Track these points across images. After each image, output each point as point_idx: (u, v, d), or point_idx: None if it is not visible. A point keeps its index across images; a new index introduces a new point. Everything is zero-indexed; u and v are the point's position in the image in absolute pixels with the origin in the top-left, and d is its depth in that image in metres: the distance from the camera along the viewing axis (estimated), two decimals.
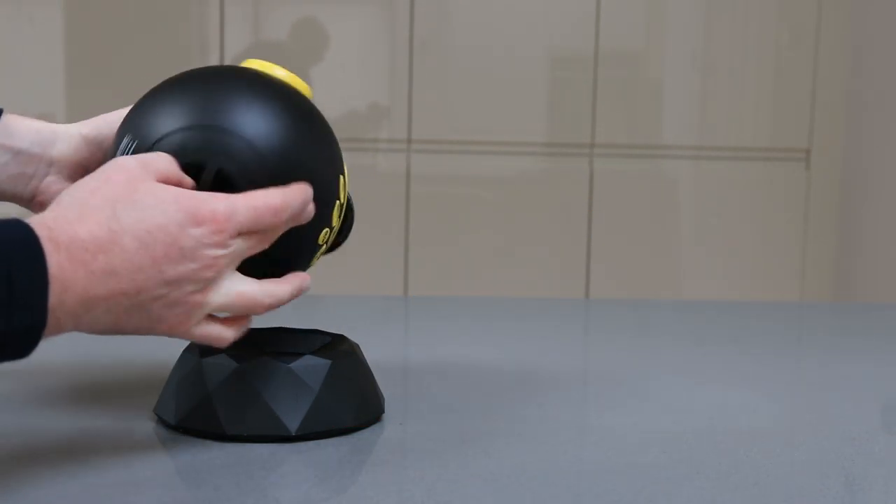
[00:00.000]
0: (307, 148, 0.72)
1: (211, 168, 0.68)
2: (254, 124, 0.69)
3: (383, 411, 0.77)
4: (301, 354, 0.71)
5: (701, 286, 2.75)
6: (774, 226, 2.75)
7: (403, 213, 2.66)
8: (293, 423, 0.69)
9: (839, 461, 0.71)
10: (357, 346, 0.77)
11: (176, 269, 0.62)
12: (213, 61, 2.66)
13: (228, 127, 0.69)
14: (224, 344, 0.66)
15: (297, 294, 0.69)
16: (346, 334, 0.78)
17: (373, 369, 0.77)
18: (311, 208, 0.69)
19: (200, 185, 0.67)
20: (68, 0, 2.66)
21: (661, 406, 0.84)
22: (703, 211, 2.78)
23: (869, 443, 0.76)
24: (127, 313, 0.61)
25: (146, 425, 0.73)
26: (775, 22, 2.72)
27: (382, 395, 0.77)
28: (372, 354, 0.79)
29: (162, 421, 0.73)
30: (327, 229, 0.72)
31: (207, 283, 0.63)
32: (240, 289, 0.65)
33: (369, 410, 0.74)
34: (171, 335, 0.64)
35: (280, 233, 0.67)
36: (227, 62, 2.66)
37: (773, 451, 0.71)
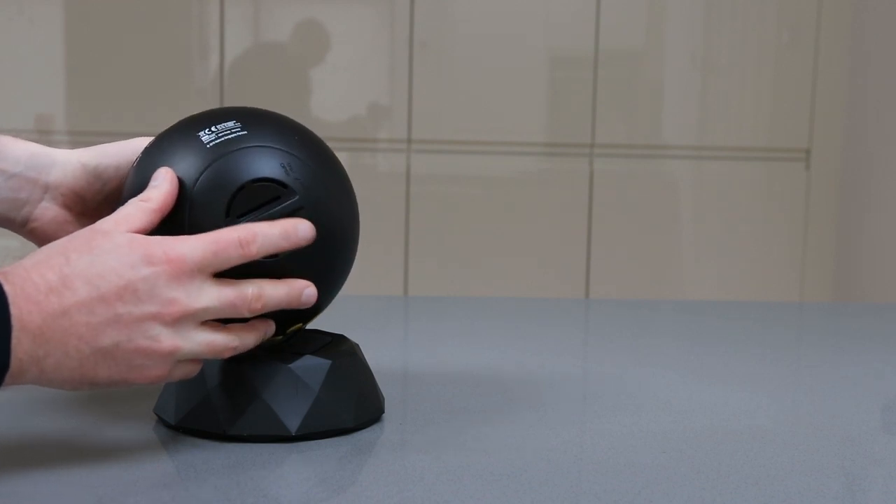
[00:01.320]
0: (351, 255, 0.74)
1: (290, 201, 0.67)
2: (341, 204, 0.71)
3: (383, 411, 0.77)
4: (301, 354, 0.71)
5: (701, 286, 2.75)
6: (774, 226, 2.75)
7: (403, 213, 2.66)
8: (293, 424, 0.69)
9: (839, 461, 0.71)
10: (357, 346, 0.77)
11: (132, 312, 0.61)
12: (214, 61, 2.66)
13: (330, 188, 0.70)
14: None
15: (262, 340, 0.68)
16: (346, 334, 0.78)
17: (373, 369, 0.77)
18: (310, 292, 0.68)
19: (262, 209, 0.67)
20: (68, 0, 2.66)
21: (661, 406, 0.84)
22: (703, 211, 2.78)
23: (869, 443, 0.76)
24: (92, 360, 0.60)
25: (146, 425, 0.73)
26: (775, 22, 2.72)
27: (382, 395, 0.77)
28: (372, 354, 0.78)
29: (161, 421, 0.73)
30: (300, 325, 0.72)
31: (175, 327, 0.62)
32: (209, 338, 0.64)
33: (369, 410, 0.74)
34: (150, 383, 0.63)
35: (272, 301, 0.66)
36: (227, 62, 2.66)
37: (773, 451, 0.71)
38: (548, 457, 0.69)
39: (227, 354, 0.66)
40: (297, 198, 0.68)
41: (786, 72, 2.72)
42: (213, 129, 0.69)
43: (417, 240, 2.67)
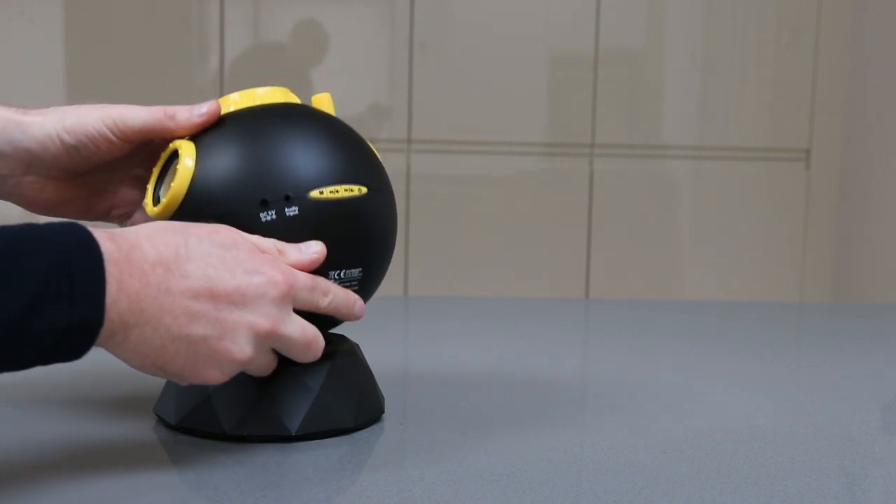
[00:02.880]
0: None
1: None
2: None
3: (383, 411, 0.77)
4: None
5: (701, 286, 2.75)
6: (774, 226, 2.75)
7: (403, 214, 2.66)
8: (293, 424, 0.69)
9: (839, 461, 0.71)
10: (357, 346, 0.77)
11: (233, 315, 0.61)
12: (214, 61, 2.66)
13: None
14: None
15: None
16: (346, 334, 0.78)
17: (373, 369, 0.77)
18: (359, 306, 0.70)
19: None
20: (68, 0, 2.66)
21: (661, 406, 0.84)
22: (703, 211, 2.78)
23: (869, 443, 0.76)
24: (175, 345, 0.60)
25: (145, 425, 0.73)
26: (775, 22, 2.72)
27: (382, 396, 0.77)
28: (372, 354, 0.78)
29: (162, 421, 0.73)
30: None
31: (259, 342, 0.63)
32: (272, 361, 0.66)
33: (369, 411, 0.74)
34: (205, 383, 0.63)
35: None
36: (227, 62, 2.66)
37: (773, 451, 0.71)
38: (548, 457, 0.69)
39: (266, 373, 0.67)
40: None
41: (786, 72, 2.72)
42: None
43: (417, 240, 2.67)
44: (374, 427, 0.74)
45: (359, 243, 0.70)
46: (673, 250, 2.77)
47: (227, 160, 0.68)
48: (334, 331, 0.79)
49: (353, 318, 0.70)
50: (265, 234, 0.67)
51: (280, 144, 0.69)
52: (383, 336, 1.07)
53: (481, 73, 2.67)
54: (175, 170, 0.69)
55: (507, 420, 0.78)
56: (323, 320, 0.69)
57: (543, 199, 2.71)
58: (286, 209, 0.67)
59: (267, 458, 0.66)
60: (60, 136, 0.72)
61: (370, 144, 0.76)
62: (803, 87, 2.70)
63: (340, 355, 0.73)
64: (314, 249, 0.67)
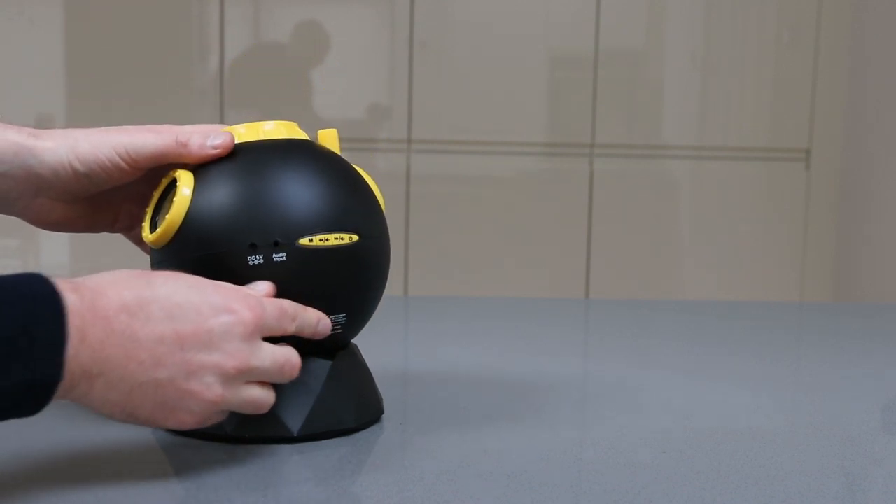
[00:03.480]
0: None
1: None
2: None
3: (383, 412, 0.77)
4: (302, 355, 0.71)
5: (701, 286, 2.75)
6: (774, 226, 2.75)
7: (403, 213, 2.66)
8: (295, 425, 0.69)
9: (839, 461, 0.71)
10: (357, 346, 0.77)
11: (199, 356, 0.60)
12: (214, 61, 2.66)
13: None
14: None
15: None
16: None
17: (372, 369, 0.77)
18: (323, 325, 0.68)
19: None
20: (68, 0, 2.66)
21: (661, 406, 0.84)
22: (703, 211, 2.78)
23: (869, 443, 0.76)
24: (142, 390, 0.59)
25: (145, 427, 0.73)
26: (775, 22, 2.72)
27: (381, 396, 0.77)
28: (372, 354, 0.78)
29: None
30: None
31: (228, 380, 0.62)
32: (253, 394, 0.64)
33: (369, 411, 0.74)
34: (179, 427, 0.62)
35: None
36: (227, 62, 2.66)
37: (773, 451, 0.71)
38: (548, 457, 0.69)
39: (265, 411, 0.66)
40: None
41: (786, 72, 2.72)
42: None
43: (417, 240, 2.67)
44: (374, 427, 0.74)
45: (346, 290, 0.71)
46: (673, 250, 2.77)
47: (221, 197, 0.68)
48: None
49: (318, 336, 0.68)
50: (252, 277, 0.67)
51: (275, 187, 0.69)
52: (383, 336, 1.07)
53: (481, 73, 2.67)
54: (172, 199, 0.69)
55: (508, 420, 0.78)
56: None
57: (543, 199, 2.71)
58: (274, 255, 0.67)
59: (267, 458, 0.66)
60: (72, 164, 0.72)
61: (370, 182, 0.76)
62: (803, 87, 2.70)
63: (340, 356, 0.73)
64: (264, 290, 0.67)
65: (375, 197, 0.75)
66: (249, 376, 0.63)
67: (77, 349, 0.55)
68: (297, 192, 0.69)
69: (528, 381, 0.90)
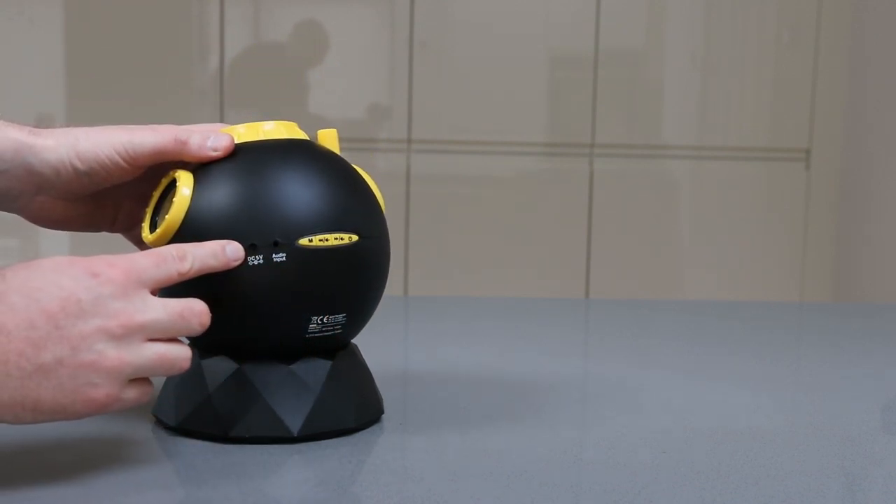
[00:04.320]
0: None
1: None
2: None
3: (383, 412, 0.77)
4: (301, 355, 0.71)
5: (701, 286, 2.75)
6: (774, 226, 2.75)
7: (403, 213, 2.66)
8: (295, 425, 0.69)
9: (839, 461, 0.71)
10: (356, 346, 0.77)
11: (75, 325, 0.58)
12: (214, 61, 2.66)
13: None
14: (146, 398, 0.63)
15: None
16: None
17: (372, 369, 0.77)
18: (232, 249, 0.66)
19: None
20: (68, 0, 2.66)
21: (661, 406, 0.84)
22: (703, 211, 2.78)
23: (869, 443, 0.76)
24: (34, 379, 0.57)
25: (144, 427, 0.73)
26: (775, 22, 2.72)
27: (381, 396, 0.77)
28: (372, 354, 0.78)
29: (160, 422, 0.73)
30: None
31: (121, 341, 0.59)
32: (160, 350, 0.61)
33: (370, 411, 0.74)
34: (100, 411, 0.60)
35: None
36: (227, 62, 2.66)
37: (773, 451, 0.71)
38: (548, 457, 0.69)
39: (184, 367, 0.63)
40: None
41: (786, 72, 2.72)
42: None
43: (417, 240, 2.67)
44: (374, 427, 0.74)
45: (345, 290, 0.70)
46: (673, 250, 2.77)
47: (221, 197, 0.69)
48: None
49: (230, 265, 0.65)
50: (252, 278, 0.66)
51: (275, 188, 0.69)
52: (383, 336, 1.07)
53: (481, 73, 2.67)
54: (172, 199, 0.69)
55: (508, 420, 0.78)
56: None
57: (543, 199, 2.71)
58: (274, 255, 0.67)
59: (267, 458, 0.66)
60: (73, 163, 0.71)
61: (370, 182, 0.76)
62: (803, 87, 2.70)
63: (340, 356, 0.73)
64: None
65: (375, 197, 0.75)
66: (144, 333, 0.60)
67: None
68: (297, 192, 0.69)
69: (528, 381, 0.90)
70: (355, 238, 0.70)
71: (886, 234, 2.54)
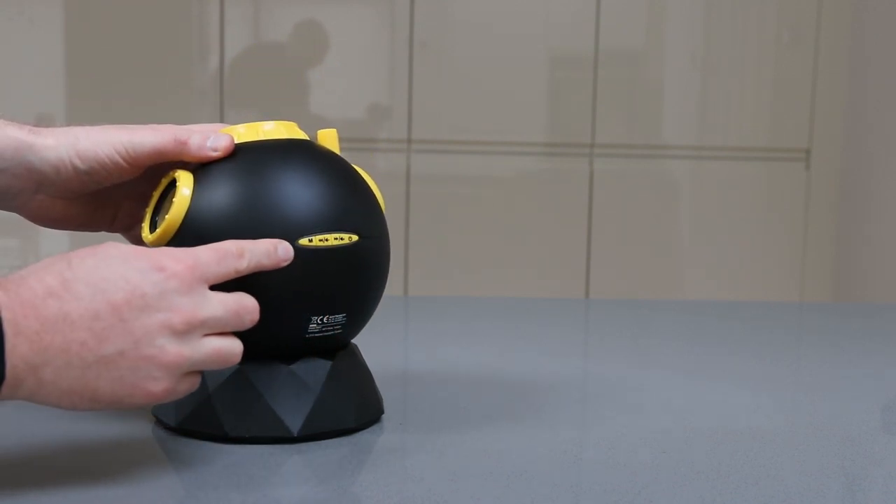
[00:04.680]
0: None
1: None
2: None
3: (383, 412, 0.77)
4: (301, 355, 0.71)
5: (701, 286, 2.75)
6: (774, 226, 2.75)
7: (403, 213, 2.66)
8: (295, 425, 0.69)
9: (839, 461, 0.71)
10: (356, 346, 0.77)
11: (139, 319, 0.58)
12: (214, 61, 2.66)
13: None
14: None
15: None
16: None
17: (372, 369, 0.77)
18: (283, 249, 0.66)
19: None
20: (68, 0, 2.66)
21: (661, 406, 0.84)
22: (703, 211, 2.78)
23: (869, 443, 0.76)
24: (95, 370, 0.57)
25: (144, 427, 0.73)
26: (775, 22, 2.72)
27: (381, 396, 0.77)
28: (372, 354, 0.78)
29: (160, 422, 0.73)
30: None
31: (182, 336, 0.60)
32: (217, 345, 0.62)
33: (370, 411, 0.74)
34: (154, 400, 0.60)
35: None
36: (227, 62, 2.66)
37: (773, 451, 0.71)
38: (548, 457, 0.69)
39: (236, 361, 0.64)
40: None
41: (786, 72, 2.71)
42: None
43: (417, 240, 2.67)
44: (374, 427, 0.74)
45: (346, 290, 0.70)
46: (673, 250, 2.77)
47: (221, 198, 0.69)
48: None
49: (280, 265, 0.66)
50: (251, 277, 0.66)
51: (275, 188, 0.69)
52: (383, 336, 1.07)
53: (481, 73, 2.67)
54: (172, 199, 0.69)
55: (508, 420, 0.78)
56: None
57: (543, 199, 2.71)
58: None
59: (267, 458, 0.66)
60: (73, 162, 0.72)
61: (370, 182, 0.76)
62: (803, 87, 2.70)
63: (340, 356, 0.73)
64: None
65: (375, 197, 0.75)
66: (203, 329, 0.61)
67: (13, 342, 0.55)
68: (297, 192, 0.69)
69: (528, 381, 0.90)
70: (355, 238, 0.70)
71: (886, 234, 2.54)
